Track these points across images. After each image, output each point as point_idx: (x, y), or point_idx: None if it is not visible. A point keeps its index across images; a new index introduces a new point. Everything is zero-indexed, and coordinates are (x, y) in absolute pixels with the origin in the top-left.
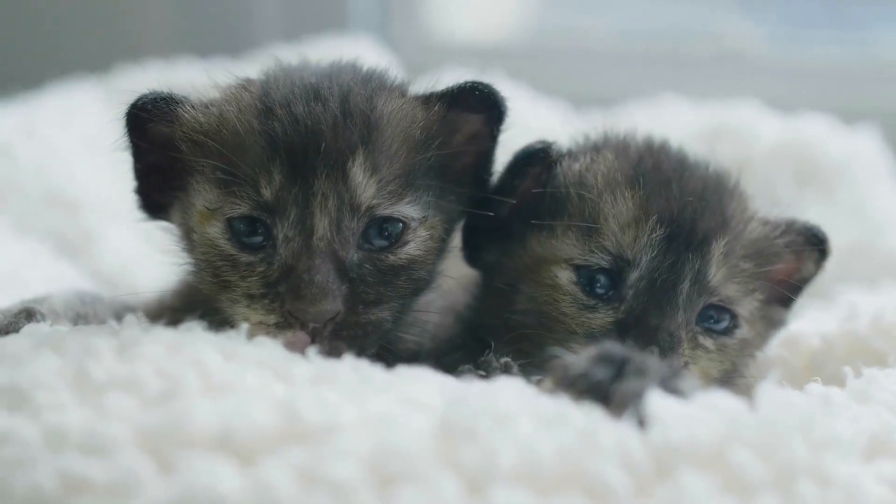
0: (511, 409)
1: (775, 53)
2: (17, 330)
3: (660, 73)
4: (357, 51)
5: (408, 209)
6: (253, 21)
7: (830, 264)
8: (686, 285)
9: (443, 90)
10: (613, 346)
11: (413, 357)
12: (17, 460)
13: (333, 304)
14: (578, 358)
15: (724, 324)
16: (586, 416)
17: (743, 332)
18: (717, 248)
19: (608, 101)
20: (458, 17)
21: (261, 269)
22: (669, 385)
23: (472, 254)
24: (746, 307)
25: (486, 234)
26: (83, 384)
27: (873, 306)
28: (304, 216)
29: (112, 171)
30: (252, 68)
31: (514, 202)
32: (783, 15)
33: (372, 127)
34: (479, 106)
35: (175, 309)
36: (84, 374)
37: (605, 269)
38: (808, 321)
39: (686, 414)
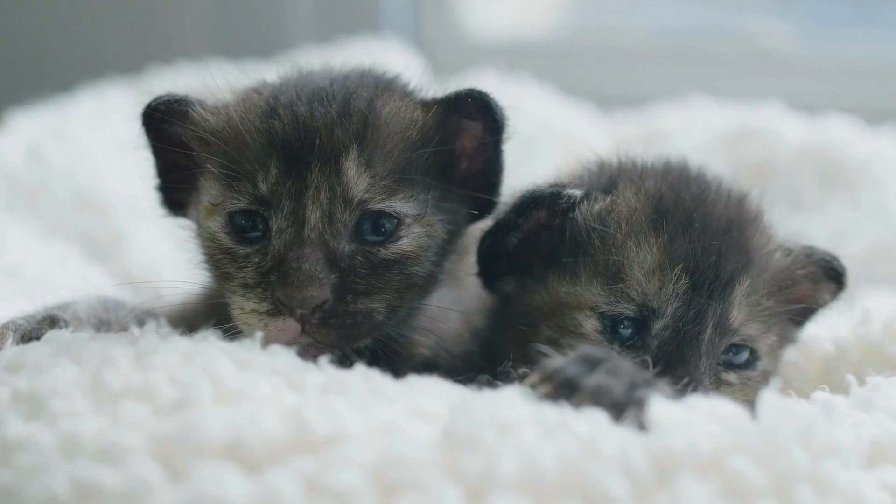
0: (514, 417)
1: (806, 52)
2: (38, 336)
3: (689, 71)
4: (388, 52)
5: (401, 205)
6: (285, 23)
7: (854, 266)
8: (709, 332)
9: (442, 96)
10: (593, 349)
11: (428, 365)
12: (33, 467)
13: (320, 292)
14: (561, 357)
15: (743, 356)
16: (588, 424)
17: (763, 363)
18: (740, 291)
19: (638, 101)
20: (490, 17)
21: (256, 259)
22: (636, 391)
23: (488, 281)
24: (766, 342)
25: (503, 264)
26: (99, 392)
27: (887, 311)
28: (297, 208)
29: (142, 173)
30: (282, 71)
31: (522, 236)
32: (814, 14)
33: (368, 125)
34: (475, 113)
35: (197, 314)
36: (100, 382)
37: (630, 318)
38: (824, 326)
39: (686, 421)
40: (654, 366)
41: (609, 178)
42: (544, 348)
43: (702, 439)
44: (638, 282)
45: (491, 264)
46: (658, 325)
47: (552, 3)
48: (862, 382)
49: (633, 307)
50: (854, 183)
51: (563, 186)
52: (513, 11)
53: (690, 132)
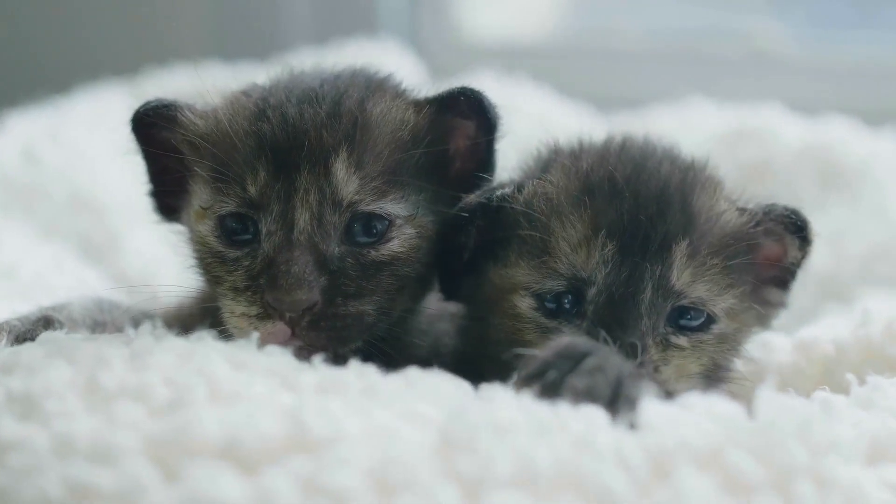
0: (510, 417)
1: (804, 53)
2: (33, 337)
3: (687, 72)
4: (385, 54)
5: (392, 206)
6: (282, 25)
7: (853, 267)
8: (648, 293)
9: (434, 95)
10: (575, 341)
11: (423, 364)
12: (26, 468)
13: (309, 294)
14: (540, 354)
15: (698, 321)
16: (584, 423)
17: (721, 326)
18: (679, 251)
19: (636, 102)
20: (488, 19)
21: (246, 263)
22: (622, 389)
23: (448, 291)
24: (722, 304)
25: (460, 270)
26: (93, 393)
27: (887, 313)
28: (286, 210)
29: (137, 176)
30: (274, 72)
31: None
32: (812, 15)
33: (358, 126)
34: (468, 112)
35: (192, 316)
36: (94, 383)
37: (562, 292)
38: (824, 327)
39: (683, 418)
40: (595, 330)
41: (545, 164)
42: (523, 350)
43: (698, 436)
44: (565, 255)
45: (451, 278)
46: (591, 292)
47: (549, 5)
48: (862, 383)
49: (563, 281)
50: (853, 184)
51: (492, 191)
52: (510, 13)
53: (688, 133)
